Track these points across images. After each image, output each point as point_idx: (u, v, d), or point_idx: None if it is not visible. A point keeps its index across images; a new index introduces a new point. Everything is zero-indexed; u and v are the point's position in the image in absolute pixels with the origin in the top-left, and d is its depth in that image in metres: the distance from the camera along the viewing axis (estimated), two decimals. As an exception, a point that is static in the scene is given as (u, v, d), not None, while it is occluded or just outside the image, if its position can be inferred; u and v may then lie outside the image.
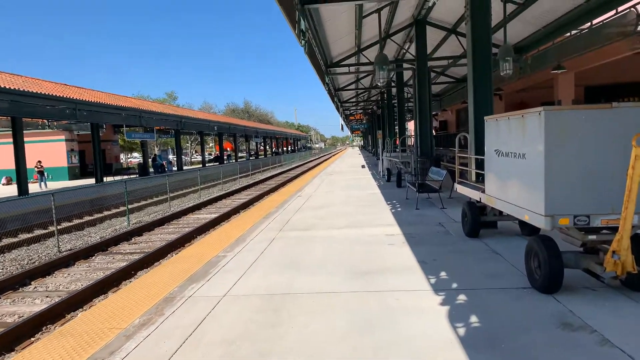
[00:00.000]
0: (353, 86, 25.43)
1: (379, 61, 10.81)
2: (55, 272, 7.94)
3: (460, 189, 7.40)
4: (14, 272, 7.91)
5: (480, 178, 7.46)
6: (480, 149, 7.42)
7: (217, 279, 5.57)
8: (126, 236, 10.68)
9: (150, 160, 36.00)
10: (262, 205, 13.28)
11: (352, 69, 18.87)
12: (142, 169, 32.27)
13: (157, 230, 11.75)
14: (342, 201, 12.01)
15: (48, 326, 5.66)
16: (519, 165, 4.83)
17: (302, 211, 10.65)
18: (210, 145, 79.40)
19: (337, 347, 3.53)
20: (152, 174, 29.99)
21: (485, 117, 6.07)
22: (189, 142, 68.30)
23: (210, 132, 43.01)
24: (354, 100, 36.10)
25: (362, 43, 15.42)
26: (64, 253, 9.64)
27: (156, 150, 52.90)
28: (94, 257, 8.97)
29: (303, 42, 7.74)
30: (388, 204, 11.07)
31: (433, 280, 5.12)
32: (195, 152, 67.49)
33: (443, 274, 5.34)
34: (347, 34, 14.04)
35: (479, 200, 6.48)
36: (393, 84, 23.32)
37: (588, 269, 4.48)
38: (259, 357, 3.43)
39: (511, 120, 5.07)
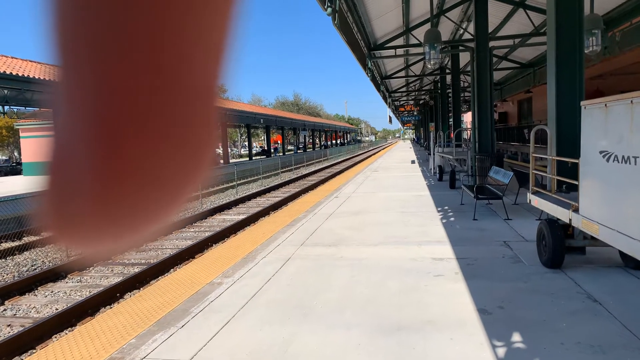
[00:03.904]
0: (402, 73, 23.29)
1: (430, 38, 8.90)
2: (40, 288, 6.84)
3: (537, 202, 5.46)
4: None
5: (565, 187, 5.50)
6: (566, 148, 5.45)
7: (193, 325, 4.09)
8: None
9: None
10: (293, 207, 11.80)
11: (400, 52, 16.87)
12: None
13: (174, 235, 10.57)
14: (384, 206, 10.24)
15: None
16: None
17: (334, 217, 9.01)
18: (262, 137, 79.43)
19: None
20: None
21: (582, 103, 4.13)
22: (239, 134, 68.48)
23: (257, 125, 42.17)
24: (404, 89, 33.76)
25: (410, 21, 13.44)
26: (72, 258, 8.64)
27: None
28: (90, 269, 7.84)
29: (329, 9, 6.04)
30: (438, 212, 9.19)
31: (502, 352, 3.34)
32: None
33: (517, 338, 3.54)
34: (393, 9, 12.13)
35: (567, 222, 4.56)
36: (448, 71, 21.04)
37: None
38: None
39: (636, 106, 3.16)
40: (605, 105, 3.65)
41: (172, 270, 7.47)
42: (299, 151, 52.93)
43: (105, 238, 0.26)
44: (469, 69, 17.81)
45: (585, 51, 9.12)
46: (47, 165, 0.25)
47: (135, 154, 0.23)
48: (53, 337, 5.09)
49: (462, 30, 15.19)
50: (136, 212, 0.25)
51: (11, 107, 16.19)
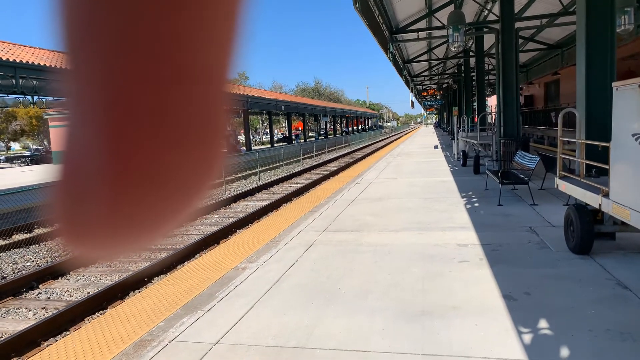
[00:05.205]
0: (425, 57, 22.88)
1: (454, 20, 8.70)
2: (72, 272, 7.10)
3: (565, 187, 5.34)
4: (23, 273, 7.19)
5: (594, 171, 5.35)
6: (596, 132, 5.29)
7: (219, 309, 4.18)
8: (164, 227, 9.75)
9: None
10: (315, 193, 11.83)
11: (422, 35, 16.55)
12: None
13: (199, 221, 10.77)
14: (406, 191, 10.18)
15: None
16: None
17: (356, 204, 9.01)
18: (283, 124, 79.42)
19: None
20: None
21: (614, 84, 3.99)
22: (260, 121, 68.73)
23: (278, 112, 42.24)
24: (426, 73, 33.21)
25: (433, 3, 13.15)
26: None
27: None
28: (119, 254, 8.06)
29: (350, -8, 5.98)
30: (462, 197, 9.08)
31: (527, 338, 3.31)
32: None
33: (543, 324, 3.50)
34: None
35: (597, 207, 4.45)
36: (472, 53, 20.57)
37: None
38: None
39: (673, 86, 3.04)
40: (639, 86, 3.51)
41: (197, 255, 7.62)
42: (320, 137, 52.86)
43: (115, 240, 0.25)
44: (493, 51, 17.38)
45: (617, 30, 8.77)
46: (63, 156, 0.24)
47: (147, 150, 0.23)
48: (85, 319, 5.29)
49: (486, 12, 14.78)
50: (150, 211, 0.24)
51: (40, 97, 16.64)
